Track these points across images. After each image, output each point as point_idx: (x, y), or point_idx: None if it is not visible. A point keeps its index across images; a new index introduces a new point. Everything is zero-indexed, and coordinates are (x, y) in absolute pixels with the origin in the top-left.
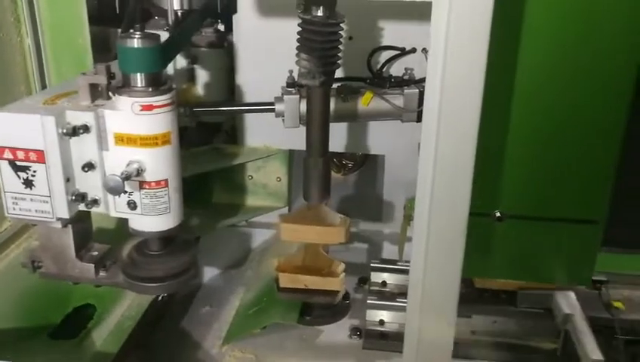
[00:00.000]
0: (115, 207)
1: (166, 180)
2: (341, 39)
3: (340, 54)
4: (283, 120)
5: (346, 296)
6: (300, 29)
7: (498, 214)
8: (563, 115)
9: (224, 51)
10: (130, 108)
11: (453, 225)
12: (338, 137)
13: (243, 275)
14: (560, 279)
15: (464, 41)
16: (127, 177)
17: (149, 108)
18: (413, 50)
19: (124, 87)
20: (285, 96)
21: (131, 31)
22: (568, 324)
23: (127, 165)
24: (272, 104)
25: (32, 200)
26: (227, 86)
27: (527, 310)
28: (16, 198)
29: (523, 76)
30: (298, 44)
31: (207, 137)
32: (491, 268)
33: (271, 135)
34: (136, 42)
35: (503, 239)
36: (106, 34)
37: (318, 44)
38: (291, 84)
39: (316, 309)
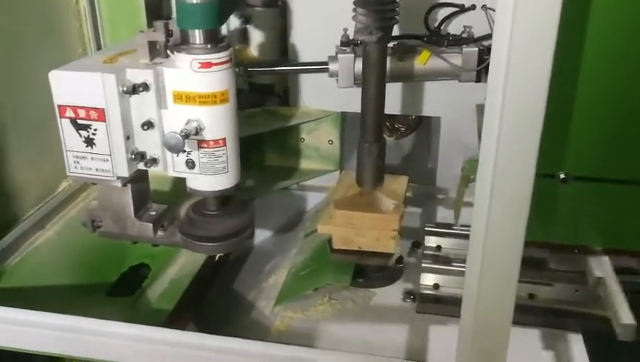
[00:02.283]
0: (174, 167)
1: (224, 139)
2: None
3: (397, 9)
4: (337, 80)
5: (400, 259)
6: None
7: (563, 176)
8: (634, 75)
9: (278, 10)
10: (189, 66)
11: (518, 187)
12: (392, 99)
13: (295, 238)
14: (627, 243)
15: None
16: (186, 135)
17: (207, 65)
18: (473, 7)
19: (183, 44)
20: (340, 55)
21: None
22: (600, 288)
23: (186, 123)
24: (325, 63)
25: (92, 158)
26: (281, 47)
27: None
28: (77, 157)
29: (595, 31)
30: None
31: (260, 99)
32: (555, 232)
33: (323, 97)
34: None
35: (567, 201)
36: None
37: None
38: (345, 42)
39: (369, 272)
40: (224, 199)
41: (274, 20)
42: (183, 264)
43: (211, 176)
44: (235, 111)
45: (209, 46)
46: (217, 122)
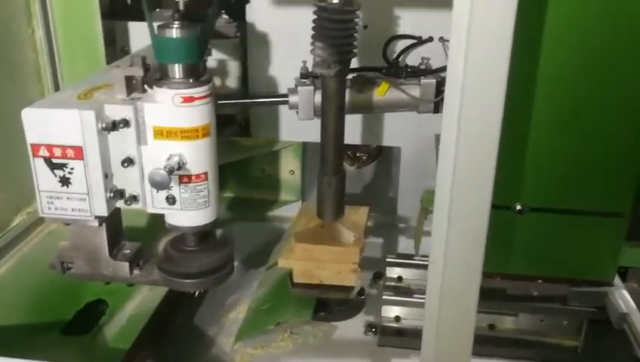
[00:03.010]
0: (153, 203)
1: (206, 173)
2: (357, 27)
3: (355, 43)
4: (297, 112)
5: (361, 291)
6: (315, 16)
7: (519, 207)
8: (588, 106)
9: (237, 42)
10: (170, 101)
11: (475, 218)
12: (352, 129)
13: (256, 270)
14: (582, 273)
15: (487, 26)
16: (170, 171)
17: (190, 99)
18: (430, 39)
19: (163, 78)
20: (299, 88)
21: (170, 21)
22: (624, 324)
23: (168, 159)
24: (285, 95)
25: (68, 198)
26: (240, 77)
27: (546, 306)
28: (51, 197)
29: (548, 66)
30: (313, 33)
31: (220, 129)
32: (512, 263)
33: (284, 127)
34: (176, 32)
35: (524, 232)
36: (110, 26)
37: (333, 32)
38: (305, 74)
39: (330, 305)
40: (203, 234)
41: (233, 51)
42: (142, 299)
43: (193, 211)
44: (215, 145)
45: (191, 80)
46: (200, 157)
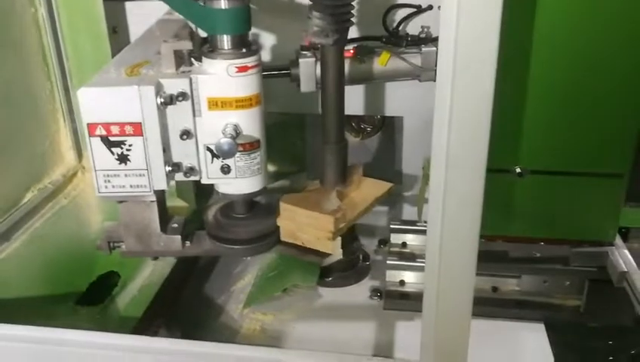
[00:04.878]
0: (208, 174)
1: (258, 141)
2: None
3: (353, 11)
4: (298, 85)
5: (366, 257)
6: None
7: (518, 170)
8: (586, 64)
9: None
10: (224, 71)
11: (470, 181)
12: (355, 100)
13: None
14: (584, 234)
15: None
16: (232, 139)
17: (244, 69)
18: (430, 8)
19: (214, 50)
20: (300, 60)
21: None
22: (624, 282)
23: (224, 128)
24: (286, 68)
25: (126, 175)
26: None
27: (548, 267)
28: (108, 175)
29: (543, 24)
30: (310, 3)
31: None
32: (513, 225)
33: (287, 99)
34: (229, 3)
35: (524, 195)
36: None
37: (329, 1)
38: (306, 46)
39: (336, 271)
40: (252, 202)
41: None
42: (153, 270)
43: (247, 178)
44: (264, 112)
45: (244, 50)
46: (253, 124)
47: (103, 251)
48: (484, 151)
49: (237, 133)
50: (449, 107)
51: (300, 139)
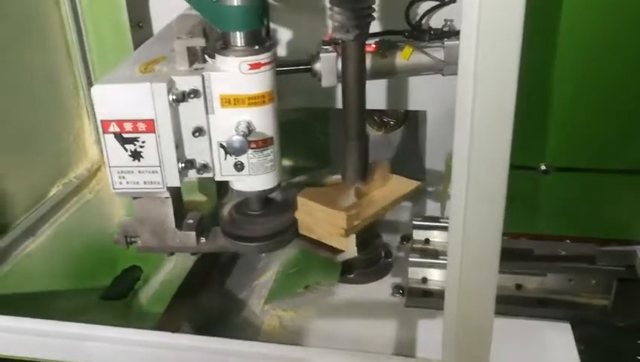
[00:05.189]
0: (221, 171)
1: (271, 138)
2: None
3: (374, 6)
4: (320, 79)
5: (388, 253)
6: None
7: (544, 167)
8: (614, 58)
9: None
10: (237, 69)
11: (492, 177)
12: (378, 94)
13: None
14: (611, 232)
15: None
16: (244, 137)
17: (257, 66)
18: (454, 1)
19: (226, 47)
20: (322, 54)
21: None
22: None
23: (237, 126)
24: (307, 63)
25: (140, 171)
26: None
27: (574, 265)
28: (122, 172)
29: (570, 13)
30: None
31: None
32: (537, 223)
33: (310, 93)
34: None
35: (550, 193)
36: None
37: None
38: (327, 41)
39: (358, 267)
40: (267, 198)
41: None
42: (175, 264)
43: (260, 175)
44: (277, 109)
45: (256, 47)
46: (266, 122)
47: (120, 246)
48: (507, 146)
49: (249, 130)
50: (471, 100)
51: (323, 133)
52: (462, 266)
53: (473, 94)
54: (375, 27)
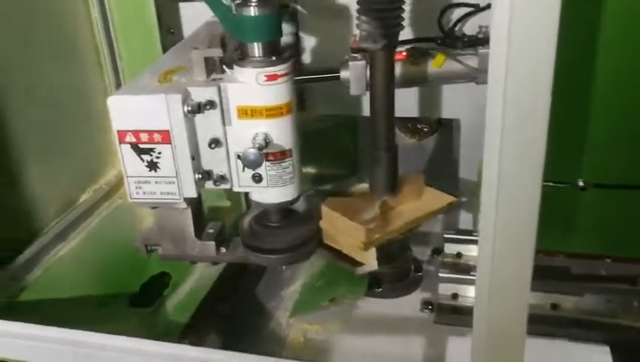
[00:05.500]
0: (239, 182)
1: (290, 150)
2: None
3: (402, 15)
4: (349, 87)
5: (418, 267)
6: None
7: (581, 183)
8: None
9: (288, 16)
10: (254, 80)
11: (524, 193)
12: (411, 102)
13: None
14: None
15: None
16: (259, 149)
17: (274, 77)
18: (488, 7)
19: (244, 58)
20: (350, 63)
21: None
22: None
23: (254, 137)
24: (336, 71)
25: (156, 182)
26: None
27: (614, 286)
28: (139, 182)
29: (609, 27)
30: (358, 7)
31: None
32: (575, 240)
33: (340, 101)
34: (258, 10)
35: (587, 209)
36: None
37: (376, 5)
38: (356, 49)
39: (386, 281)
40: (287, 210)
41: (285, 26)
42: (202, 272)
43: (279, 187)
44: (297, 120)
45: (274, 58)
46: (284, 134)
47: (141, 253)
48: (540, 159)
49: (267, 142)
50: (501, 110)
51: (353, 142)
52: (491, 282)
53: (503, 103)
54: (407, 34)
